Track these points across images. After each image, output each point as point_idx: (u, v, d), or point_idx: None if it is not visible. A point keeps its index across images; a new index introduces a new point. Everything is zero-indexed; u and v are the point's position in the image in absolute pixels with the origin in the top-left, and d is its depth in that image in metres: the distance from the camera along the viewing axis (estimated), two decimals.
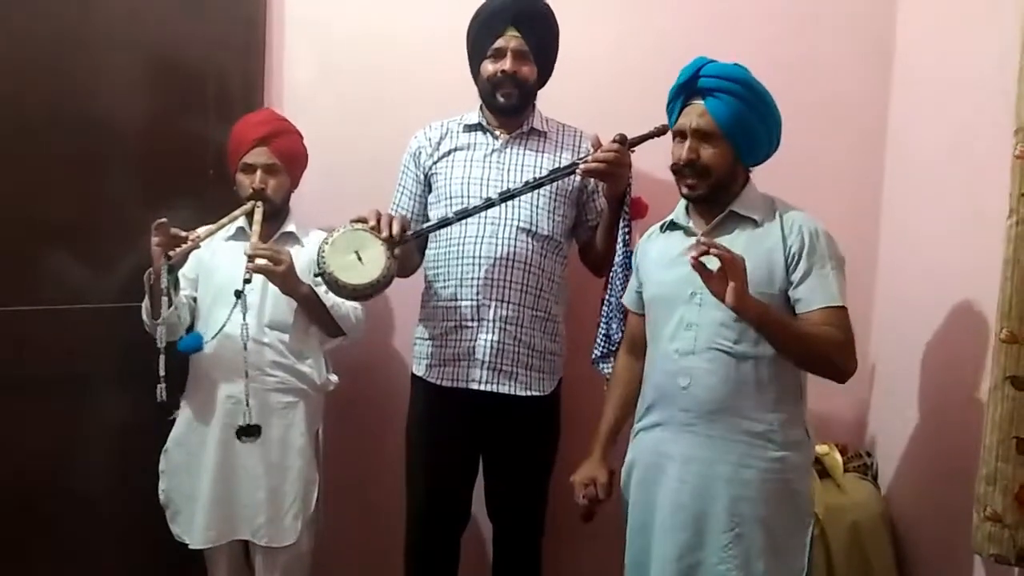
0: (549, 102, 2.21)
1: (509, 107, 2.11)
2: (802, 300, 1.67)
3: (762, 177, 1.85)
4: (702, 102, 1.71)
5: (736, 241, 1.71)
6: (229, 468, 2.13)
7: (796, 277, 1.67)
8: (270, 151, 2.16)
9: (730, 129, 1.69)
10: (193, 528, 2.15)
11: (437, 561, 2.23)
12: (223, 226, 2.09)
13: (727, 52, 1.79)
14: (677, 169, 1.74)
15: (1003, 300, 1.47)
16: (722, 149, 1.70)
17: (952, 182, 2.02)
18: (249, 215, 2.12)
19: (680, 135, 1.74)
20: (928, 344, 2.10)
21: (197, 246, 2.02)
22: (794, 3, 2.44)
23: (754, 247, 1.69)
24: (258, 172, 2.14)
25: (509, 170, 2.12)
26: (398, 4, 2.55)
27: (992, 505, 1.49)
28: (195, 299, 2.20)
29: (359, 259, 1.90)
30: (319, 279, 1.92)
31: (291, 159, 2.21)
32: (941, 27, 2.16)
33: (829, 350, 1.63)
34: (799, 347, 1.64)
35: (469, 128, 2.19)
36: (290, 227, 2.23)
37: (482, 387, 2.07)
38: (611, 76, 2.48)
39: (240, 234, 2.17)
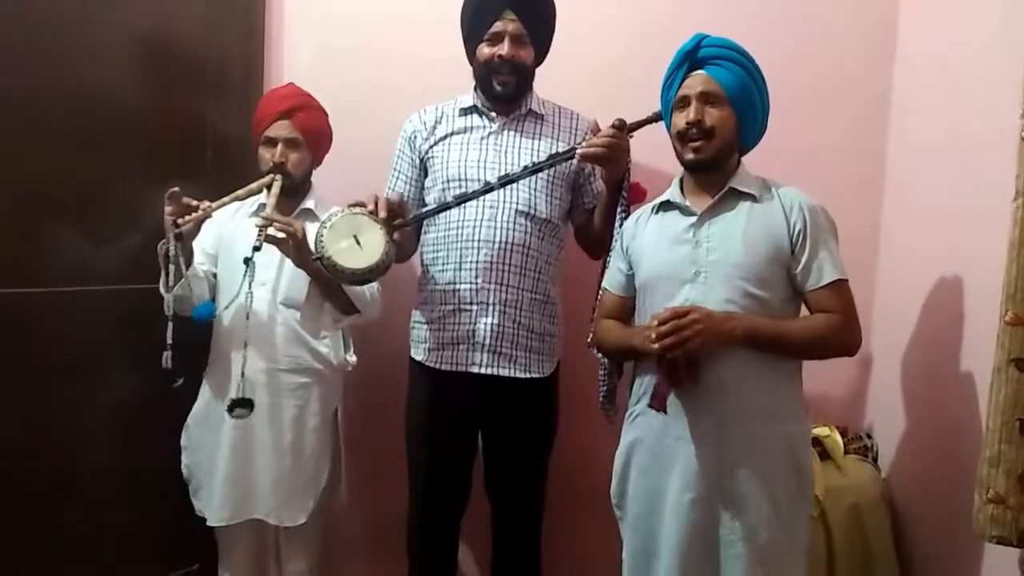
0: (547, 85, 2.20)
1: (506, 95, 2.09)
2: (812, 277, 1.71)
3: (765, 157, 1.86)
4: (704, 71, 1.73)
5: (738, 217, 1.74)
6: (244, 448, 2.14)
7: (803, 256, 1.70)
8: (292, 125, 2.16)
9: (734, 94, 1.72)
10: (211, 505, 2.17)
11: (438, 542, 2.25)
12: (238, 197, 2.09)
13: (729, 33, 1.79)
14: (682, 132, 1.74)
15: (1009, 282, 1.46)
16: (727, 113, 1.73)
17: (955, 164, 2.01)
18: (268, 188, 2.12)
19: (683, 103, 1.75)
20: (929, 326, 2.10)
21: (208, 215, 2.02)
22: None
23: (757, 222, 1.73)
24: (279, 145, 2.15)
25: (507, 152, 2.11)
26: None
27: (995, 487, 1.49)
28: (215, 275, 2.21)
29: (357, 243, 1.89)
30: (318, 263, 1.92)
31: (313, 134, 2.21)
32: (944, 5, 2.14)
33: (826, 344, 1.72)
34: (797, 352, 1.73)
35: (465, 111, 2.17)
36: (309, 203, 2.23)
37: (483, 370, 2.07)
38: (610, 59, 2.47)
39: (261, 210, 2.15)
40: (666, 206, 1.83)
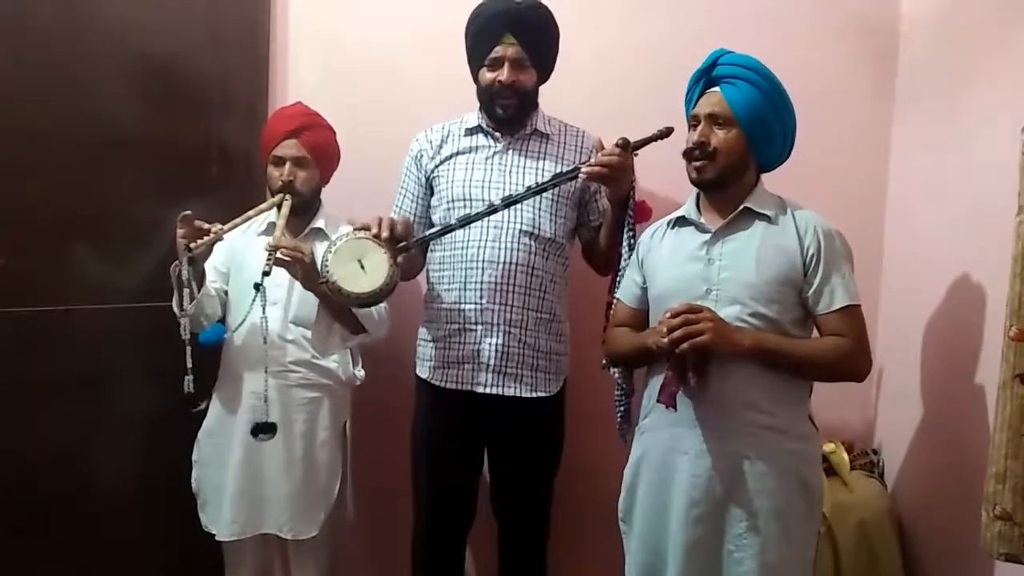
0: (551, 103, 2.21)
1: (507, 118, 2.10)
2: (823, 301, 1.71)
3: (769, 172, 1.85)
4: (718, 89, 1.75)
5: (752, 237, 1.74)
6: (255, 462, 2.15)
7: (815, 279, 1.70)
8: (300, 144, 2.17)
9: (744, 115, 1.72)
10: (219, 520, 2.18)
11: (443, 560, 2.24)
12: (249, 219, 2.10)
13: (732, 47, 1.80)
14: (687, 152, 1.76)
15: (1012, 297, 1.46)
16: (734, 135, 1.73)
17: (958, 179, 2.02)
18: (278, 208, 2.13)
19: (694, 121, 1.77)
20: (934, 341, 2.10)
21: (220, 238, 2.02)
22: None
23: (770, 243, 1.73)
24: (287, 165, 2.16)
25: (511, 172, 2.12)
26: (402, 7, 2.55)
27: (1002, 503, 1.48)
28: (226, 292, 2.22)
29: (362, 267, 1.91)
30: (324, 287, 1.93)
31: (321, 152, 2.22)
32: (945, 22, 2.15)
33: (834, 367, 1.72)
34: (804, 372, 1.73)
35: (470, 131, 2.18)
36: (319, 223, 2.24)
37: (487, 390, 2.07)
38: (613, 77, 2.47)
39: (272, 229, 2.16)
40: (682, 222, 1.84)
